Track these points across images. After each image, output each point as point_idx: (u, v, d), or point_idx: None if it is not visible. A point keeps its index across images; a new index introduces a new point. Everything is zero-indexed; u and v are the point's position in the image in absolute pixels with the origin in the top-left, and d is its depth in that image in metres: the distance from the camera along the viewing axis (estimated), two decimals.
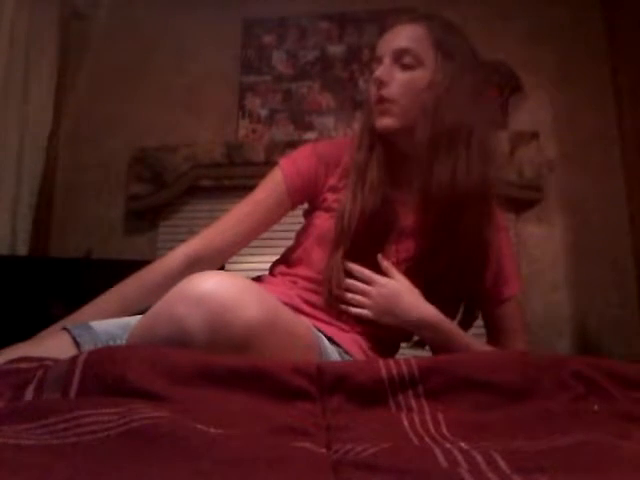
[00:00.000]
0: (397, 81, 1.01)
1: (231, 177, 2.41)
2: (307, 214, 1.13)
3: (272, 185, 1.08)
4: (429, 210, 1.00)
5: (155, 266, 1.01)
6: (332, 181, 1.07)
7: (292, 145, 2.37)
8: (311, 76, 2.54)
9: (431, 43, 1.02)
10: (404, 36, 1.03)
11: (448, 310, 1.01)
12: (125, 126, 2.56)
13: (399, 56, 1.01)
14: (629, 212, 2.24)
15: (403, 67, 1.01)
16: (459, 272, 1.00)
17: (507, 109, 2.35)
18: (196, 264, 0.99)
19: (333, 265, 0.99)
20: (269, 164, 2.31)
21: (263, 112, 2.52)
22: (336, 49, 2.56)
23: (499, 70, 2.32)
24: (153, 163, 2.43)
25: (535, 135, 2.30)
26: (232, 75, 2.58)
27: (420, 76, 1.01)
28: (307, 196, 1.09)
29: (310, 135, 2.45)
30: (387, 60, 1.02)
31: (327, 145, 1.14)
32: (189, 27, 2.63)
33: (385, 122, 1.01)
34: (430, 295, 0.99)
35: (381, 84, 1.00)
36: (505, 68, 2.34)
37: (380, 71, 1.01)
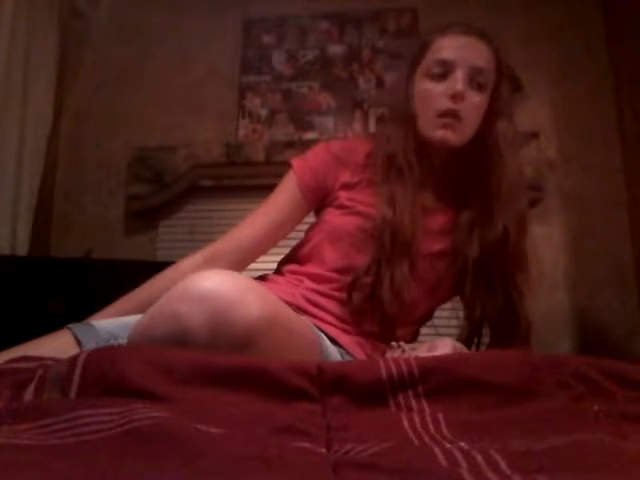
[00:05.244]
0: (472, 101, 1.00)
1: (231, 177, 2.41)
2: (318, 211, 1.13)
3: (285, 185, 1.08)
4: (467, 211, 1.04)
5: (171, 269, 1.00)
6: (345, 178, 1.07)
7: (292, 145, 2.37)
8: (311, 76, 2.54)
9: (495, 68, 1.05)
10: (482, 55, 1.02)
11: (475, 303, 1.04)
12: (125, 126, 2.56)
13: (475, 74, 1.00)
14: (629, 212, 2.24)
15: (477, 86, 1.01)
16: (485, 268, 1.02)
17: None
18: (213, 263, 0.99)
19: (402, 280, 0.97)
20: (269, 164, 2.32)
21: (263, 112, 2.52)
22: (336, 49, 2.56)
23: None
24: (153, 163, 2.43)
25: (535, 135, 2.29)
26: (232, 75, 2.58)
27: (485, 99, 1.03)
28: (320, 193, 1.08)
29: (310, 135, 2.45)
30: (462, 74, 1.00)
31: (339, 143, 1.13)
32: (189, 27, 2.63)
33: (448, 136, 1.00)
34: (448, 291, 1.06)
35: (460, 99, 0.99)
36: (505, 68, 2.33)
37: (462, 86, 0.99)
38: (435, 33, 1.06)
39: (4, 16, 2.13)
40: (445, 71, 1.01)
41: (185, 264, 1.00)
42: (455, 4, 2.31)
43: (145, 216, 2.47)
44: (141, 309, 0.90)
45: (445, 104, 0.99)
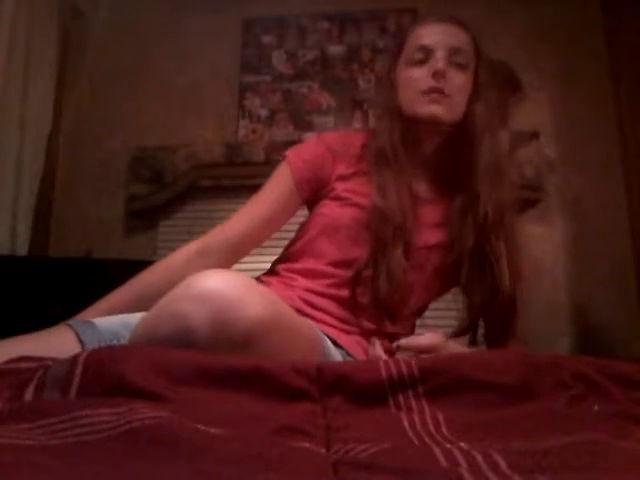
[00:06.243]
0: (455, 79, 1.02)
1: (231, 177, 2.41)
2: (310, 206, 1.12)
3: (279, 178, 1.07)
4: (457, 200, 1.05)
5: (164, 261, 1.01)
6: (340, 169, 1.06)
7: (292, 145, 2.37)
8: (311, 76, 2.54)
9: (474, 52, 1.06)
10: (458, 37, 1.05)
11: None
12: (125, 126, 2.56)
13: (454, 54, 1.03)
14: (629, 212, 2.24)
15: (457, 66, 1.03)
16: (479, 261, 1.02)
17: (507, 109, 2.35)
18: (205, 254, 0.99)
19: (398, 270, 0.97)
20: (269, 164, 2.32)
21: (263, 112, 2.52)
22: (336, 49, 2.56)
23: (499, 70, 2.32)
24: (153, 163, 2.43)
25: (535, 135, 2.30)
26: (232, 75, 2.58)
27: (468, 80, 1.04)
28: (315, 185, 1.07)
29: (310, 135, 2.45)
30: (442, 54, 1.02)
31: (334, 134, 1.13)
32: (189, 27, 2.63)
33: (436, 110, 1.01)
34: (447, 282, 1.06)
35: (442, 76, 1.00)
36: (505, 68, 2.34)
37: (442, 64, 1.01)
38: (413, 25, 1.11)
39: (4, 16, 2.13)
40: (425, 55, 1.03)
41: (176, 257, 1.00)
42: (455, 4, 2.31)
43: (145, 216, 2.46)
44: (133, 304, 0.91)
45: (428, 83, 1.01)
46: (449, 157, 1.08)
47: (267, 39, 2.60)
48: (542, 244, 2.27)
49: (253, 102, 2.54)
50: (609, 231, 2.25)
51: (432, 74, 1.01)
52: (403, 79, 1.05)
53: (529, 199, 2.26)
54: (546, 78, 2.40)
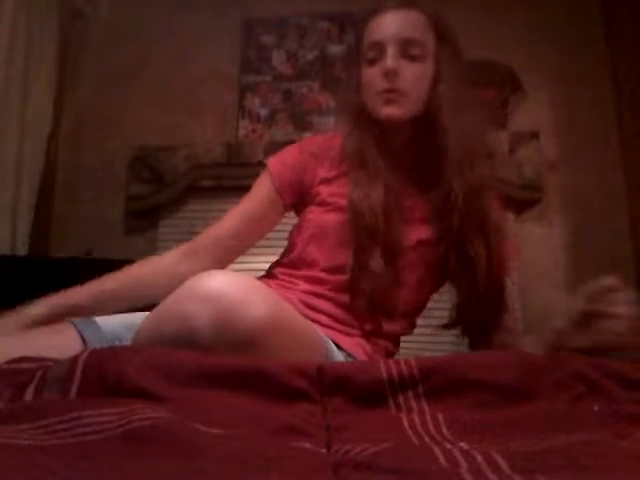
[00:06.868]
0: (409, 73, 0.99)
1: (231, 177, 2.41)
2: (298, 211, 1.11)
3: (261, 183, 1.08)
4: (439, 196, 1.02)
5: (149, 261, 1.04)
6: (323, 173, 1.06)
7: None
8: (311, 76, 2.54)
9: (432, 33, 1.02)
10: (408, 25, 1.01)
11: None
12: (125, 126, 2.56)
13: (406, 46, 0.99)
14: (629, 212, 2.24)
15: (411, 58, 0.99)
16: (465, 254, 1.01)
17: (507, 109, 2.35)
18: (195, 255, 1.02)
19: (376, 269, 0.96)
20: None
21: (263, 112, 2.52)
22: (336, 49, 2.56)
23: (499, 70, 2.32)
24: (153, 163, 2.43)
25: (535, 135, 2.30)
26: (232, 75, 2.58)
27: (427, 68, 1.01)
28: (297, 189, 1.07)
29: (310, 135, 2.45)
30: (393, 49, 0.99)
31: (313, 139, 1.13)
32: (189, 27, 2.63)
33: (393, 111, 0.99)
34: (438, 276, 1.05)
35: (394, 75, 0.98)
36: (505, 68, 2.34)
37: (391, 61, 0.98)
38: (366, 17, 1.07)
39: (4, 16, 2.13)
40: (378, 52, 1.00)
41: (165, 258, 1.03)
42: (455, 4, 2.31)
43: (145, 216, 2.47)
44: (114, 294, 1.00)
45: (381, 84, 0.99)
46: (423, 148, 1.05)
47: (267, 39, 2.60)
48: (542, 244, 2.27)
49: (253, 102, 2.54)
50: (609, 231, 2.25)
51: (383, 75, 0.98)
52: (363, 79, 1.04)
53: (529, 199, 2.27)
54: (546, 78, 2.40)
